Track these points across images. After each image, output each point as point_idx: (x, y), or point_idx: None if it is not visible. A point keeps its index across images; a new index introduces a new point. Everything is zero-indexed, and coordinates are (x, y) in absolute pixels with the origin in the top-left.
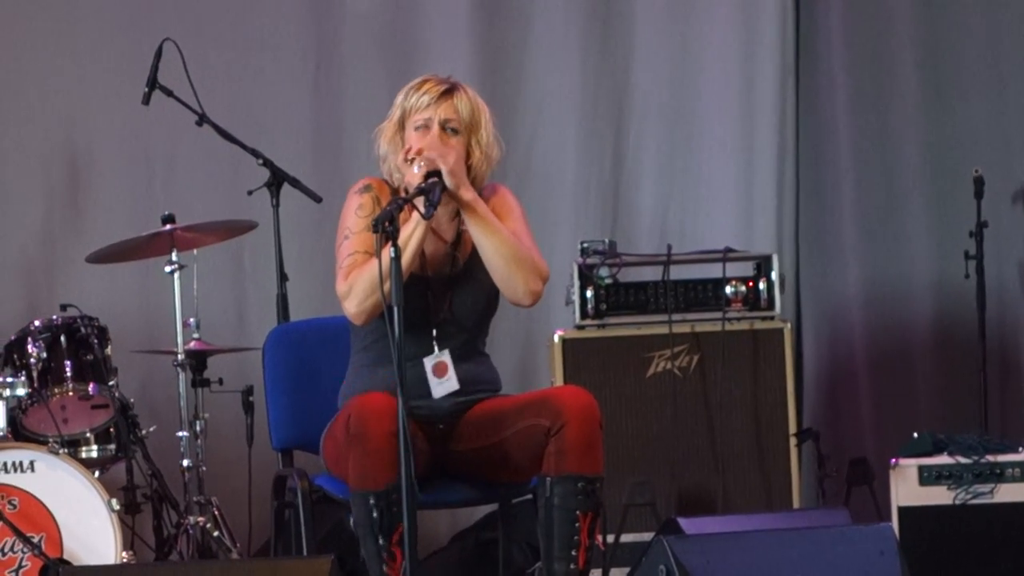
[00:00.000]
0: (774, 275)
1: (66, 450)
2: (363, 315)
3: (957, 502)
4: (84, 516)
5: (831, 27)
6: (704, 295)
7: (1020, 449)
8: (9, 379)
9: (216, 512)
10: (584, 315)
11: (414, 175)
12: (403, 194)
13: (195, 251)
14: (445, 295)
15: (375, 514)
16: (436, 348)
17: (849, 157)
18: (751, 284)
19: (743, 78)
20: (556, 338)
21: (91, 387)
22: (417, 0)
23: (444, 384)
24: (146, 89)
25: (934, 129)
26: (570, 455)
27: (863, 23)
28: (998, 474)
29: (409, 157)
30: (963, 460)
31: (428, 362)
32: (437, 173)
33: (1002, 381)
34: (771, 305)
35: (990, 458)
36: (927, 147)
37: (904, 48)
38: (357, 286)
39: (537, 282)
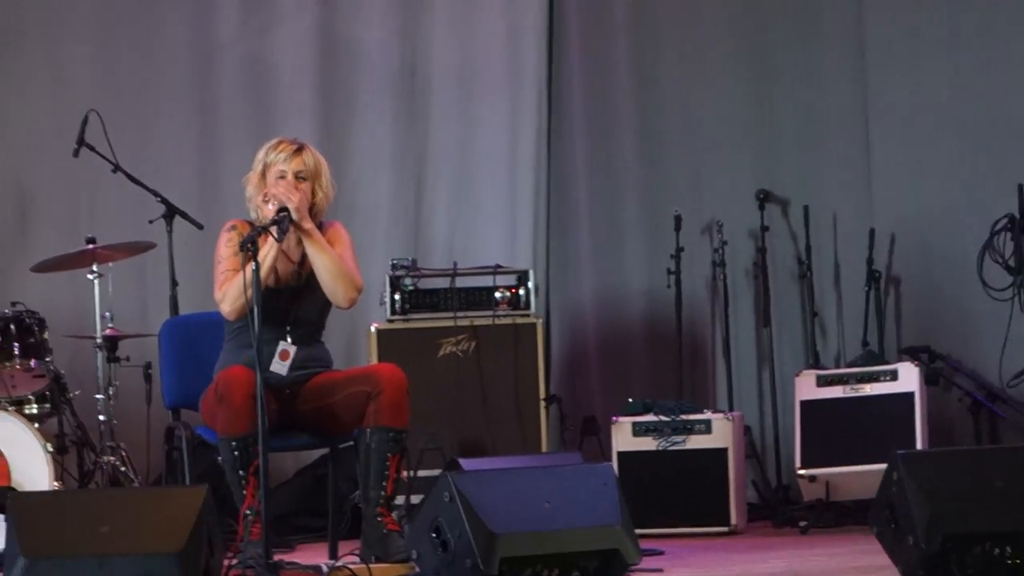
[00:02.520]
0: (531, 284)
1: (14, 408)
2: (234, 313)
3: (659, 448)
4: (27, 456)
5: (573, 109)
6: (480, 298)
7: (704, 411)
8: None
9: (123, 454)
10: (393, 312)
11: (269, 211)
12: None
13: (110, 264)
14: (293, 300)
15: (236, 453)
16: (289, 339)
17: (586, 200)
18: (514, 291)
19: (510, 142)
20: (373, 329)
21: (32, 362)
22: (273, 80)
23: (281, 366)
24: (75, 146)
25: (647, 180)
26: (384, 413)
27: (596, 105)
28: (689, 428)
29: (266, 199)
30: (664, 418)
31: (281, 346)
32: (286, 209)
33: (693, 363)
34: (528, 306)
35: (683, 417)
36: (641, 193)
37: (625, 121)
38: (229, 293)
39: (353, 292)
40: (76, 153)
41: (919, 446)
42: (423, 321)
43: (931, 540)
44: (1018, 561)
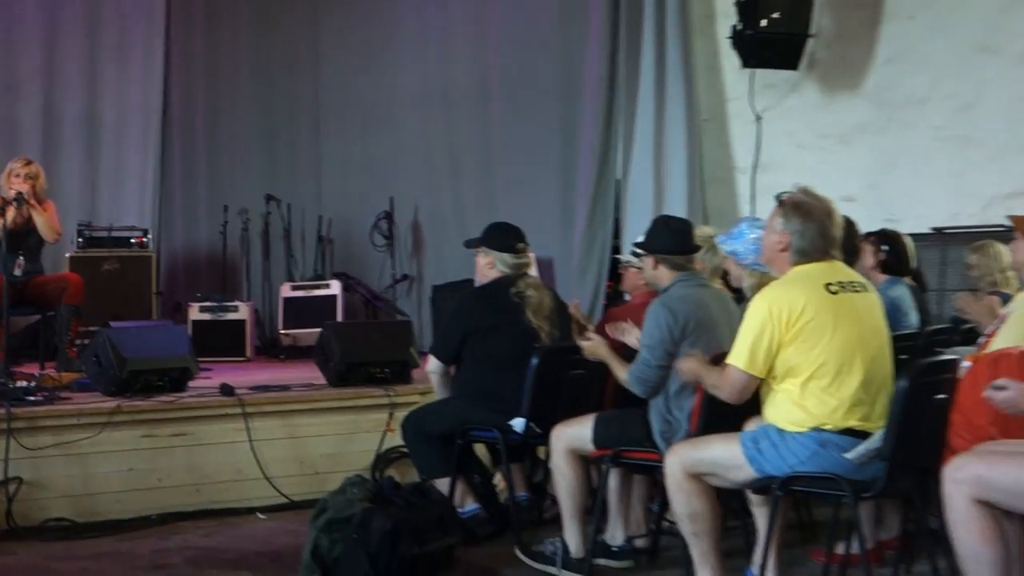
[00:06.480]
0: (150, 235)
1: None
2: None
3: (212, 318)
4: None
5: (196, 123)
6: (126, 242)
7: (235, 300)
8: None
9: None
10: (78, 248)
11: (10, 193)
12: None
13: None
14: (23, 237)
15: None
16: (20, 257)
17: (180, 193)
18: (140, 238)
19: (141, 160)
20: (67, 256)
21: None
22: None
23: (19, 271)
24: None
25: (214, 189)
26: (71, 297)
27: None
28: (227, 309)
29: (11, 187)
30: (215, 304)
31: (17, 260)
32: (22, 193)
33: (232, 277)
34: (148, 247)
35: (225, 303)
36: (210, 193)
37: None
38: None
39: (55, 235)
40: None
41: (339, 319)
42: (95, 252)
43: (341, 364)
44: (382, 375)
